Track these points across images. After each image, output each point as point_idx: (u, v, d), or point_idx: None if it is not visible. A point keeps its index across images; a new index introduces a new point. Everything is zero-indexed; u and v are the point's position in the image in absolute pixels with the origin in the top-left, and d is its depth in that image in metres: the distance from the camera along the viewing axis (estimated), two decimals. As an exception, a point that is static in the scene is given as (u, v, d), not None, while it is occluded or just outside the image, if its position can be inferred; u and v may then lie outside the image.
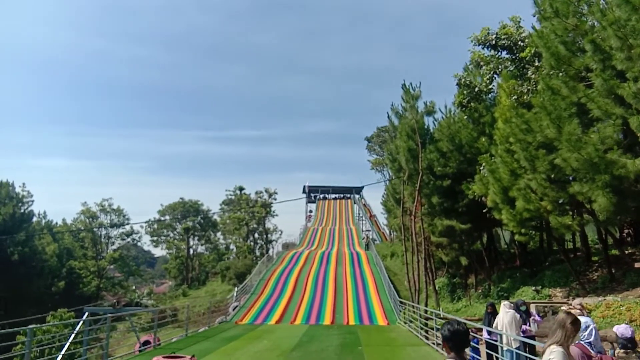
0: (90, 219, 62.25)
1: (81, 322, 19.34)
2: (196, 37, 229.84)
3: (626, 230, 23.75)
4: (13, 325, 20.50)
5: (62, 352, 18.75)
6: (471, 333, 11.49)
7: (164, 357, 10.81)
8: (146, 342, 16.40)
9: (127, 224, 64.75)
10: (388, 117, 30.50)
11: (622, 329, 6.28)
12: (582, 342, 4.94)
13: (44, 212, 57.82)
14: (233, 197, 71.11)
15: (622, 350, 6.02)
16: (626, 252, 20.71)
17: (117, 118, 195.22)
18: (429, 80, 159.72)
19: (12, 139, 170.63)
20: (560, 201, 17.06)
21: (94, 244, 61.97)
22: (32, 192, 51.03)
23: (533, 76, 19.20)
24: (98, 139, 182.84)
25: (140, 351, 14.74)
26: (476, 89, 23.30)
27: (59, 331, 23.89)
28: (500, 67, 22.32)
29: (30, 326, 9.46)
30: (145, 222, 70.44)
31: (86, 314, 19.10)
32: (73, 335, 19.84)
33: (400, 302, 22.86)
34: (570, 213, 18.39)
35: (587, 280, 19.78)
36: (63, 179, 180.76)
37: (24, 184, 51.81)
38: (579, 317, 5.21)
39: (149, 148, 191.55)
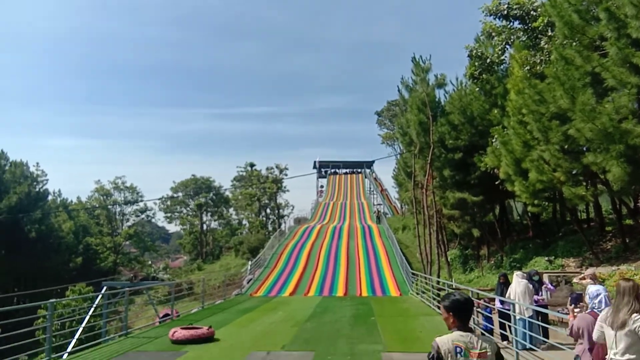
0: (105, 197, 63.07)
1: (100, 296, 19.83)
2: (205, 15, 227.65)
3: (640, 200, 23.54)
4: (33, 300, 21.04)
5: (83, 324, 19.27)
6: (484, 303, 11.62)
7: (182, 328, 11.14)
8: (166, 315, 16.80)
9: (141, 200, 65.56)
10: (398, 90, 30.25)
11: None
12: (594, 310, 4.99)
13: (59, 191, 58.53)
14: (244, 173, 71.49)
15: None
16: (640, 222, 20.59)
17: (128, 97, 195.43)
18: (440, 52, 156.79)
19: (24, 119, 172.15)
20: (574, 172, 16.92)
21: (109, 221, 62.94)
22: (45, 171, 51.78)
23: (546, 46, 18.82)
24: (109, 118, 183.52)
25: (160, 323, 15.13)
26: (488, 61, 22.93)
27: (79, 305, 24.51)
28: (512, 37, 21.88)
29: (51, 300, 9.73)
30: (159, 199, 71.36)
31: (104, 288, 19.56)
32: (93, 309, 20.35)
33: (413, 274, 23.07)
34: (584, 184, 18.23)
35: (600, 250, 19.76)
36: (75, 159, 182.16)
37: (37, 163, 52.56)
38: (591, 286, 5.26)
39: (160, 127, 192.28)
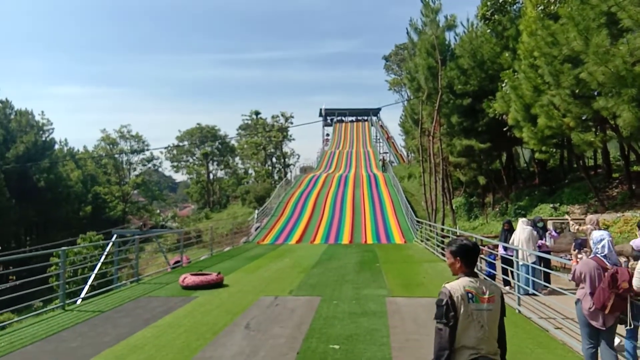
0: (111, 146, 63.23)
1: (110, 244, 20.24)
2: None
3: (650, 147, 23.26)
4: (46, 248, 21.52)
5: (95, 271, 19.78)
6: (488, 249, 11.72)
7: (192, 274, 11.39)
8: (177, 262, 17.17)
9: (147, 149, 65.73)
10: (407, 33, 29.39)
11: (637, 242, 6.38)
12: (597, 255, 4.99)
13: (65, 140, 58.83)
14: (249, 121, 71.08)
15: (636, 262, 6.15)
16: (648, 168, 20.43)
17: (128, 43, 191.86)
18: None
19: (25, 67, 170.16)
20: (584, 117, 16.60)
21: (117, 170, 63.40)
22: (51, 120, 51.70)
23: (561, -16, 18.01)
24: (110, 66, 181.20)
25: (172, 269, 15.51)
26: (500, 0, 22.06)
27: (90, 252, 25.11)
28: (526, -25, 20.92)
29: (63, 248, 9.92)
30: (165, 148, 71.45)
31: (115, 236, 19.93)
32: (104, 256, 20.83)
33: (417, 222, 23.26)
34: (593, 129, 17.95)
35: (606, 197, 19.72)
36: (78, 107, 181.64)
37: (42, 111, 52.41)
38: (595, 231, 5.23)
39: (162, 74, 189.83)
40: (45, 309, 10.48)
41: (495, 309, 3.01)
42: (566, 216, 16.90)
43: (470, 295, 2.94)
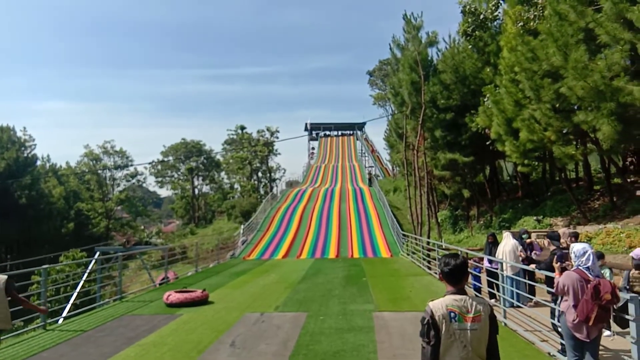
0: (94, 161, 62.56)
1: (93, 261, 19.93)
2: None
3: (629, 159, 23.70)
4: (27, 266, 21.10)
5: (77, 289, 19.42)
6: (473, 262, 11.79)
7: (176, 292, 11.23)
8: (165, 278, 16.96)
9: (131, 165, 65.21)
10: (390, 49, 29.77)
11: (637, 251, 6.53)
12: (580, 267, 5.04)
13: (47, 156, 57.93)
14: (235, 136, 70.99)
15: (637, 271, 6.28)
16: (629, 180, 20.79)
17: (112, 59, 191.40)
18: (434, 8, 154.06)
19: (6, 84, 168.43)
20: (564, 131, 16.92)
21: (100, 186, 62.66)
22: (33, 136, 51.08)
23: (540, 1, 18.43)
24: (94, 81, 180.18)
25: (160, 285, 15.33)
26: (481, 17, 22.50)
27: (72, 270, 24.65)
28: (506, -8, 21.40)
29: (44, 266, 9.73)
30: (149, 163, 70.96)
31: (97, 253, 19.64)
32: (87, 274, 20.48)
33: (403, 235, 23.32)
34: (574, 143, 18.29)
35: (588, 209, 20.01)
36: (61, 122, 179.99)
37: (24, 127, 51.67)
38: (577, 244, 5.30)
39: (147, 89, 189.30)
40: (25, 329, 10.25)
41: (482, 328, 2.93)
42: (554, 228, 17.12)
43: (452, 314, 2.90)
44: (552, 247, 8.43)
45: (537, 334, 7.48)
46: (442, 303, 2.96)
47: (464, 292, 3.01)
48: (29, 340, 8.18)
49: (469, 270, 10.84)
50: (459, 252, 3.24)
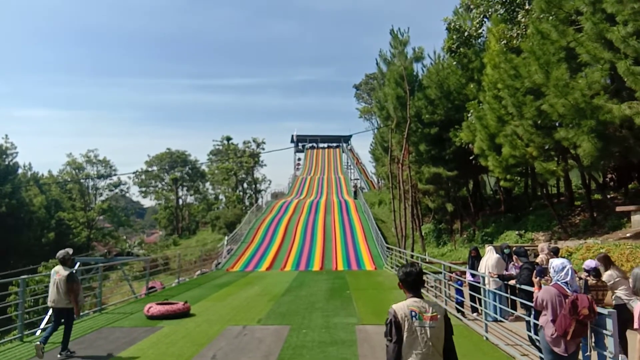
0: (77, 170, 61.77)
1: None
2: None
3: (609, 175, 24.17)
4: (5, 277, 20.68)
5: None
6: (455, 276, 11.87)
7: (157, 304, 11.10)
8: (151, 288, 16.76)
9: (114, 174, 64.51)
10: (377, 63, 30.11)
11: (587, 262, 6.78)
12: (559, 282, 5.12)
13: (29, 164, 57.01)
14: (221, 147, 70.73)
15: (593, 280, 6.50)
16: (608, 196, 21.17)
17: (98, 67, 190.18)
18: (420, 24, 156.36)
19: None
20: (546, 147, 17.19)
21: (82, 195, 61.78)
22: (15, 143, 50.30)
23: (523, 20, 18.84)
24: (79, 89, 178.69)
25: (146, 295, 15.15)
26: (466, 34, 22.88)
27: (52, 281, 24.19)
28: (490, 10, 21.81)
29: (23, 276, 9.56)
30: (133, 173, 70.29)
31: (78, 264, 19.34)
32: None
33: (388, 248, 23.38)
34: (555, 159, 18.59)
35: (569, 224, 20.29)
36: (44, 130, 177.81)
37: (6, 135, 50.85)
38: (555, 259, 5.39)
39: (132, 98, 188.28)
40: (2, 341, 10.00)
41: (439, 327, 3.31)
42: (535, 242, 17.30)
43: (413, 313, 3.28)
44: (520, 263, 8.58)
45: (517, 348, 7.54)
46: (404, 305, 3.34)
47: (421, 297, 3.41)
48: (6, 352, 8.01)
49: (452, 283, 10.88)
50: (416, 262, 3.61)
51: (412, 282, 3.40)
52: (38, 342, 7.18)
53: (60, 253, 8.04)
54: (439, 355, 3.28)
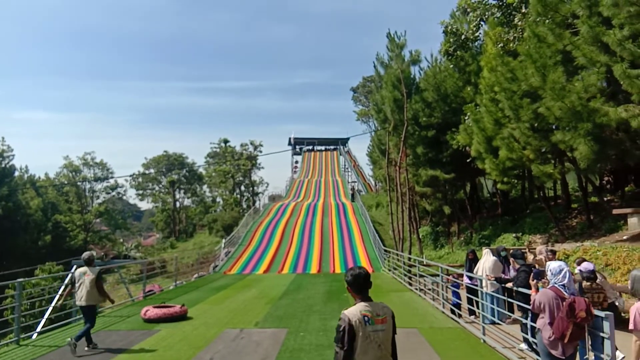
0: (74, 173, 61.61)
1: (70, 275, 19.48)
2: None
3: (606, 178, 24.24)
4: (1, 279, 20.57)
5: (53, 304, 18.97)
6: (452, 278, 11.88)
7: (154, 307, 11.07)
8: (150, 291, 16.72)
9: (112, 177, 64.41)
10: (374, 66, 30.16)
11: (584, 265, 6.77)
12: (556, 285, 5.12)
13: (26, 167, 56.93)
14: (218, 149, 70.70)
15: (588, 282, 6.50)
16: (605, 199, 21.23)
17: (95, 69, 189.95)
18: (417, 27, 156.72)
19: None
20: (543, 150, 17.26)
21: (79, 198, 61.64)
22: (12, 146, 50.23)
23: (519, 23, 18.94)
24: (77, 92, 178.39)
25: (144, 298, 15.10)
26: (462, 37, 22.99)
27: (48, 284, 24.09)
28: (487, 14, 21.93)
29: (19, 279, 9.52)
30: (130, 176, 70.15)
31: (74, 267, 19.20)
32: (62, 288, 20.02)
33: (385, 251, 23.37)
34: (552, 161, 18.64)
35: (566, 226, 20.33)
36: (42, 133, 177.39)
37: (3, 137, 50.79)
38: (552, 262, 5.40)
39: (130, 101, 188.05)
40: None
41: (388, 329, 3.36)
42: (532, 245, 17.33)
43: (366, 318, 3.27)
44: (517, 265, 8.60)
45: (515, 351, 7.54)
46: (357, 309, 3.30)
47: (370, 299, 3.40)
48: (2, 355, 7.97)
49: (449, 286, 10.90)
50: (361, 267, 3.55)
51: (361, 284, 3.38)
52: (70, 339, 7.85)
53: (86, 254, 8.78)
54: (389, 356, 3.35)
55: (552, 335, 4.89)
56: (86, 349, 8.11)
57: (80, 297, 8.30)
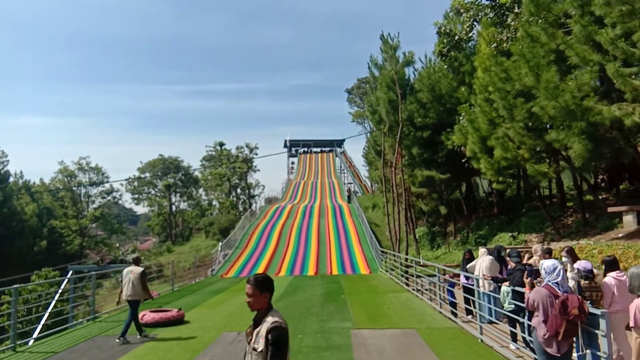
0: (69, 178, 61.41)
1: (66, 281, 19.45)
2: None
3: (600, 176, 24.37)
4: (-3, 286, 20.45)
5: (49, 310, 18.91)
6: (448, 278, 11.90)
7: (151, 312, 11.04)
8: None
9: (107, 182, 64.21)
10: (368, 68, 30.19)
11: (583, 264, 6.79)
12: (549, 283, 5.15)
13: (21, 172, 56.69)
14: (213, 152, 70.61)
15: (586, 281, 6.51)
16: (600, 197, 21.34)
17: (89, 74, 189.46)
18: (411, 28, 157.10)
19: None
20: (537, 149, 17.32)
21: (74, 203, 61.44)
22: (6, 152, 50.06)
23: (513, 23, 19.02)
24: (71, 97, 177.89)
25: (142, 303, 15.07)
26: (456, 38, 23.06)
27: (45, 290, 24.01)
28: (480, 14, 22.01)
29: (15, 285, 9.47)
30: (125, 180, 69.97)
31: (70, 272, 19.22)
32: (59, 294, 19.97)
33: (382, 252, 23.39)
34: (547, 160, 18.72)
35: (561, 225, 20.42)
36: (36, 138, 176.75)
37: (-3, 143, 50.55)
38: (546, 260, 5.43)
39: (125, 105, 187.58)
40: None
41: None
42: (528, 244, 17.38)
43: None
44: (513, 264, 8.63)
45: (512, 350, 7.57)
46: (284, 319, 3.16)
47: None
48: (-3, 363, 7.93)
49: (445, 285, 10.91)
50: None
51: (272, 291, 3.22)
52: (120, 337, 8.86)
53: (135, 255, 10.99)
54: None
55: (547, 333, 4.91)
56: (117, 341, 8.84)
57: (127, 292, 9.28)
